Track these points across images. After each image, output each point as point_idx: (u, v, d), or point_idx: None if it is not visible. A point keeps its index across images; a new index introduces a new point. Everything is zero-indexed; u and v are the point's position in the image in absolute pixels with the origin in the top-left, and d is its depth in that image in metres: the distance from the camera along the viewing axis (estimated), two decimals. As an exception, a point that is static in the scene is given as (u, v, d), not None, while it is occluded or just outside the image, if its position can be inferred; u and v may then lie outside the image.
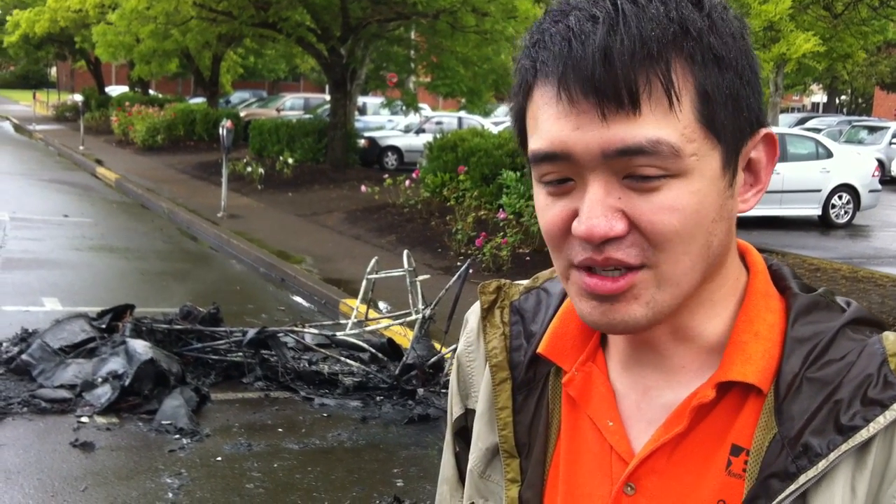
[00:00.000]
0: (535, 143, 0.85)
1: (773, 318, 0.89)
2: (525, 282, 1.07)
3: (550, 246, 0.88)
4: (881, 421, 0.81)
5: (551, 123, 0.83)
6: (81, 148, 25.01)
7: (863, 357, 0.84)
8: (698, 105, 0.81)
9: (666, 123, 0.80)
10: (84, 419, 5.83)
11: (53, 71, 63.62)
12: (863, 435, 0.81)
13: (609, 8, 0.81)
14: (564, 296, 1.00)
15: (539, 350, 0.98)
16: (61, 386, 6.19)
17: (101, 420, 5.85)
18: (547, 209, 0.86)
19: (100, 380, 6.19)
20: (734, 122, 0.84)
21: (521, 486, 0.98)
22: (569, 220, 0.84)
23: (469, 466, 1.05)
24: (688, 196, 0.81)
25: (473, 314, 1.07)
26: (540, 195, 0.87)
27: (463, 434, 1.08)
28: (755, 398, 0.87)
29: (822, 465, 0.81)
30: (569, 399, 0.96)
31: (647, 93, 0.79)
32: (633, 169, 0.81)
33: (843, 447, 0.81)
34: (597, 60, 0.79)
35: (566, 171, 0.84)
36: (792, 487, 0.82)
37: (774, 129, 18.06)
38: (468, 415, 1.07)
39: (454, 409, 1.09)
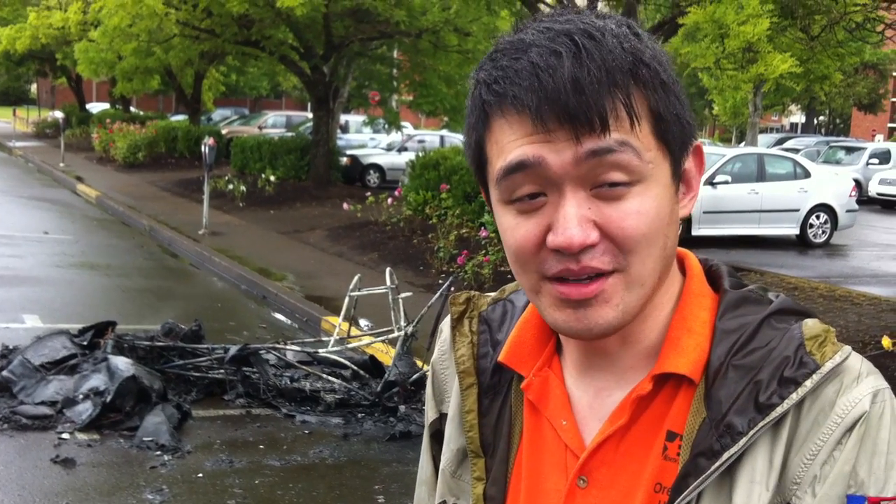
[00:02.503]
0: (506, 160, 0.90)
1: (706, 314, 0.97)
2: (493, 294, 1.14)
3: (519, 263, 0.93)
4: (794, 397, 0.88)
5: (523, 143, 0.89)
6: (62, 165, 24.90)
7: (783, 342, 0.92)
8: (654, 123, 0.91)
9: (629, 138, 0.89)
10: (65, 436, 5.82)
11: (34, 87, 63.39)
12: (778, 411, 0.88)
13: (569, 43, 0.88)
14: (526, 307, 1.08)
15: (499, 358, 1.05)
16: (42, 402, 6.17)
17: (82, 436, 5.84)
18: (517, 227, 0.92)
19: (81, 396, 6.18)
20: (679, 137, 0.94)
21: (486, 483, 1.05)
22: (541, 235, 0.90)
23: (441, 466, 1.11)
24: (650, 201, 0.90)
25: (446, 324, 1.14)
26: (507, 216, 0.93)
27: (438, 437, 1.15)
28: (688, 387, 0.94)
29: (742, 441, 0.88)
30: (530, 402, 1.03)
31: (615, 116, 0.87)
32: (602, 176, 0.88)
33: (762, 423, 0.88)
34: (568, 90, 0.86)
35: (538, 184, 0.90)
36: (717, 464, 0.89)
37: (753, 150, 18.22)
38: (442, 419, 1.14)
39: (429, 414, 1.16)
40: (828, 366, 0.89)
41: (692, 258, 1.02)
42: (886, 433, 0.88)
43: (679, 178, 0.95)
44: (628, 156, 0.88)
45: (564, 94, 0.86)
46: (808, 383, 0.88)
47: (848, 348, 0.91)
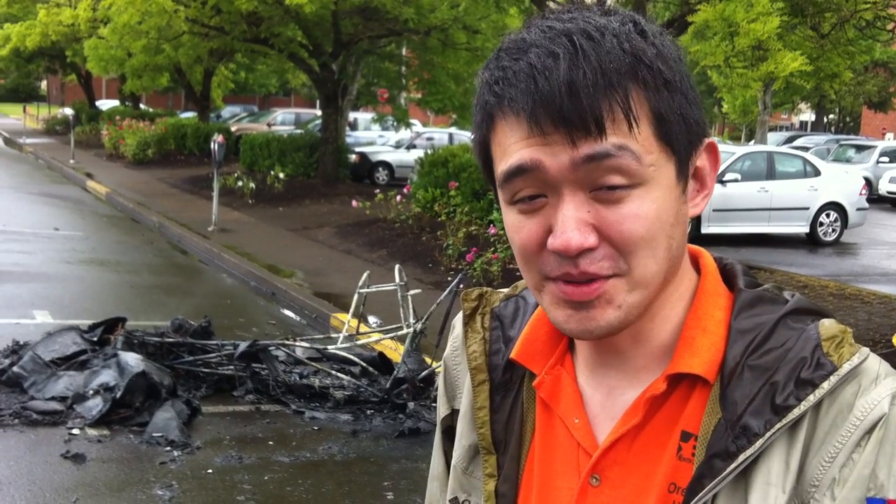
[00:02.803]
0: (507, 163, 0.90)
1: (720, 314, 0.96)
2: (506, 290, 1.14)
3: (524, 262, 0.94)
4: (811, 399, 0.87)
5: (523, 147, 0.89)
6: (72, 161, 24.98)
7: (799, 342, 0.91)
8: (654, 125, 0.89)
9: (627, 141, 0.87)
10: (75, 431, 5.84)
11: (44, 84, 63.57)
12: (795, 413, 0.87)
13: (567, 44, 0.87)
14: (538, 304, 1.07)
15: (511, 356, 1.04)
16: (52, 398, 6.20)
17: (92, 432, 5.86)
18: (521, 227, 0.92)
19: (91, 392, 6.20)
20: (685, 137, 0.92)
21: (498, 480, 1.05)
22: (543, 235, 0.90)
23: (453, 462, 1.11)
24: (649, 204, 0.89)
25: (459, 320, 1.14)
26: (511, 216, 0.93)
27: (450, 433, 1.14)
28: (702, 387, 0.93)
29: (759, 443, 0.87)
30: (542, 400, 1.03)
31: (611, 119, 0.86)
32: (601, 180, 0.87)
33: (778, 425, 0.87)
34: (563, 93, 0.85)
35: (538, 186, 0.90)
36: (732, 465, 0.88)
37: (763, 148, 18.16)
38: (454, 414, 1.13)
39: (441, 410, 1.16)
40: (845, 367, 0.88)
41: (707, 256, 1.01)
42: None
43: (686, 177, 0.93)
44: (627, 160, 0.86)
45: (559, 97, 0.85)
46: (826, 385, 0.87)
47: (866, 350, 0.90)
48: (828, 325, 0.92)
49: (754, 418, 0.88)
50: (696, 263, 1.01)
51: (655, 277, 0.91)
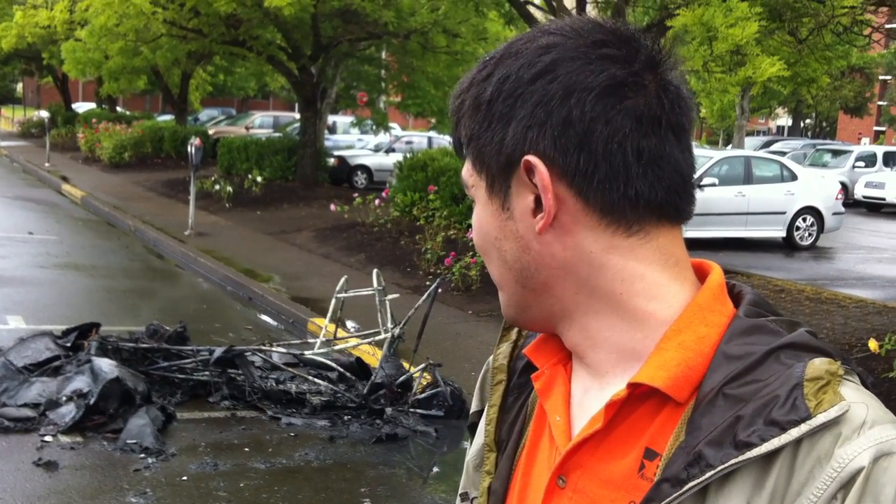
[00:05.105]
0: None
1: (707, 331, 0.90)
2: None
3: None
4: (775, 442, 0.81)
5: None
6: (47, 165, 24.77)
7: (781, 378, 0.84)
8: (468, 145, 0.96)
9: (465, 164, 0.98)
10: (48, 438, 5.77)
11: (20, 87, 63.08)
12: (754, 452, 0.82)
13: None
14: None
15: (524, 350, 1.06)
16: (25, 405, 6.12)
17: (65, 439, 5.79)
18: None
19: (64, 398, 6.13)
20: (490, 153, 0.94)
21: (493, 477, 1.06)
22: None
23: (466, 459, 1.15)
24: (475, 218, 0.98)
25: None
26: None
27: (473, 430, 1.17)
28: (674, 407, 0.89)
29: (709, 474, 0.83)
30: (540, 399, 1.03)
31: (460, 142, 0.98)
32: None
33: (734, 460, 0.82)
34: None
35: None
36: (678, 492, 0.84)
37: (741, 152, 18.17)
38: (480, 413, 1.16)
39: (473, 405, 1.18)
40: (819, 419, 0.81)
41: (715, 274, 0.96)
42: (893, 490, 0.79)
43: (502, 194, 0.93)
44: (464, 178, 0.98)
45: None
46: (794, 432, 0.81)
47: (846, 403, 0.82)
48: (817, 365, 0.84)
49: (712, 448, 0.83)
50: (704, 278, 0.96)
51: (503, 282, 0.97)
